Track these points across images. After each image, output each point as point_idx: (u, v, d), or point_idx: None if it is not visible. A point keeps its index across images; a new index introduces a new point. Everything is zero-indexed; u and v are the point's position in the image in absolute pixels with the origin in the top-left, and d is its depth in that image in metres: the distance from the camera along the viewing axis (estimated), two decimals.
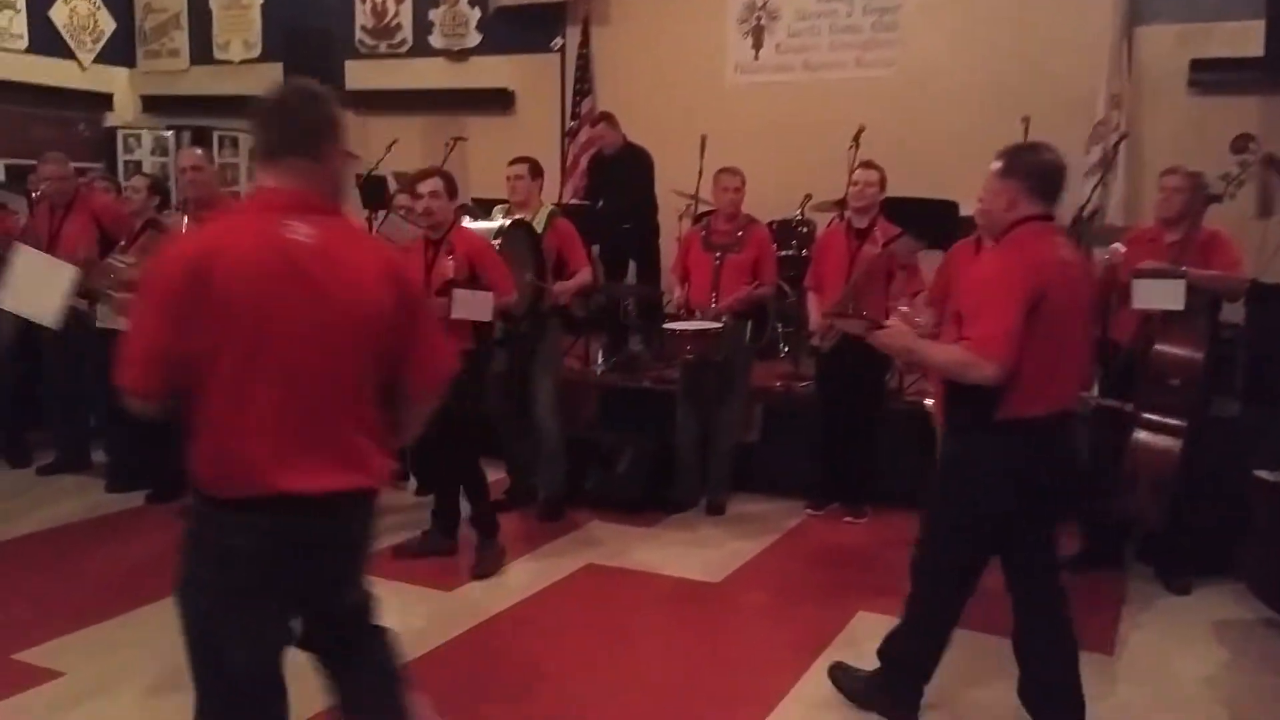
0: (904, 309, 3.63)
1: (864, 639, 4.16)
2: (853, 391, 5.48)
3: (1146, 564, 4.93)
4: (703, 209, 6.69)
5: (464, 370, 4.74)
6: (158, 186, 5.99)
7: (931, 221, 5.89)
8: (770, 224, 6.82)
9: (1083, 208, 6.28)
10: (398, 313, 2.36)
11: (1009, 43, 7.32)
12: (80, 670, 3.86)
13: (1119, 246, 4.74)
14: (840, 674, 3.73)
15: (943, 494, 3.38)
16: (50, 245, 6.07)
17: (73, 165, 6.46)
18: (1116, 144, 6.70)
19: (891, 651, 3.58)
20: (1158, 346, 4.39)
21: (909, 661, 3.53)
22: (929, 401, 4.35)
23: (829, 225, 6.43)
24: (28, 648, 4.01)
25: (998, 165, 3.22)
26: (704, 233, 5.79)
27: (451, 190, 4.91)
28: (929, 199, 6.22)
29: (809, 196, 7.11)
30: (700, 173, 6.64)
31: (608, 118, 7.41)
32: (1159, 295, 4.40)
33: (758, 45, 8.19)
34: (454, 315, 4.68)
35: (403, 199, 5.99)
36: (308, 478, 2.26)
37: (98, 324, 5.70)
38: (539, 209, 5.65)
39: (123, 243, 5.85)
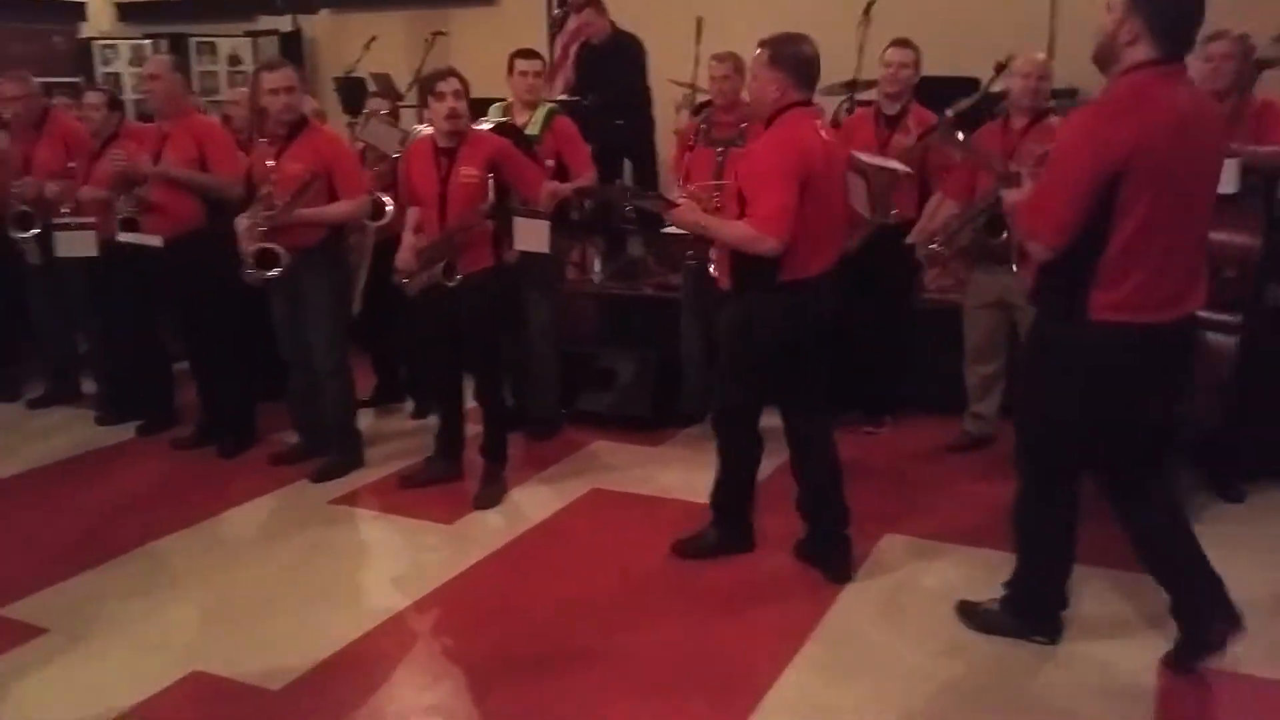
0: (692, 188, 4.06)
1: (895, 565, 3.94)
2: (873, 290, 5.08)
3: (1199, 469, 4.57)
4: (702, 99, 6.25)
5: (488, 284, 4.50)
6: (116, 101, 5.61)
7: (950, 101, 5.45)
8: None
9: None
10: None
11: None
12: (64, 626, 3.67)
13: None
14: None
15: (730, 347, 3.78)
16: (25, 172, 5.73)
17: (38, 81, 6.05)
18: None
19: (719, 503, 4.04)
20: (1209, 235, 4.02)
21: (729, 504, 4.03)
22: (713, 270, 4.25)
23: (851, 113, 5.97)
24: (11, 602, 3.84)
25: (764, 55, 3.57)
26: (704, 126, 5.36)
27: (468, 90, 4.52)
28: (947, 77, 5.76)
29: None
30: (696, 60, 6.19)
31: (593, 3, 6.93)
32: None
33: None
34: (516, 247, 4.38)
35: (375, 103, 5.63)
36: None
37: (58, 253, 5.45)
38: (537, 108, 5.23)
39: (72, 164, 5.54)
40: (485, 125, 4.94)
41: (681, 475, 4.86)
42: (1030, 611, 3.37)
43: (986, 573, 3.74)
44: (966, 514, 4.36)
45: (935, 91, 5.37)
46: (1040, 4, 6.27)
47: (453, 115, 4.38)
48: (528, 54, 5.25)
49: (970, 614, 3.49)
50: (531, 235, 4.38)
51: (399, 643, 3.55)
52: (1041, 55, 4.74)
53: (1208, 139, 2.90)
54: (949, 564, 3.92)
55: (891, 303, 5.24)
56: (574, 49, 7.35)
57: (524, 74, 5.19)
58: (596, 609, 3.73)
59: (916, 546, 3.71)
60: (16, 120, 5.82)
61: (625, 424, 5.44)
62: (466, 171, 4.41)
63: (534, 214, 4.39)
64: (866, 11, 5.95)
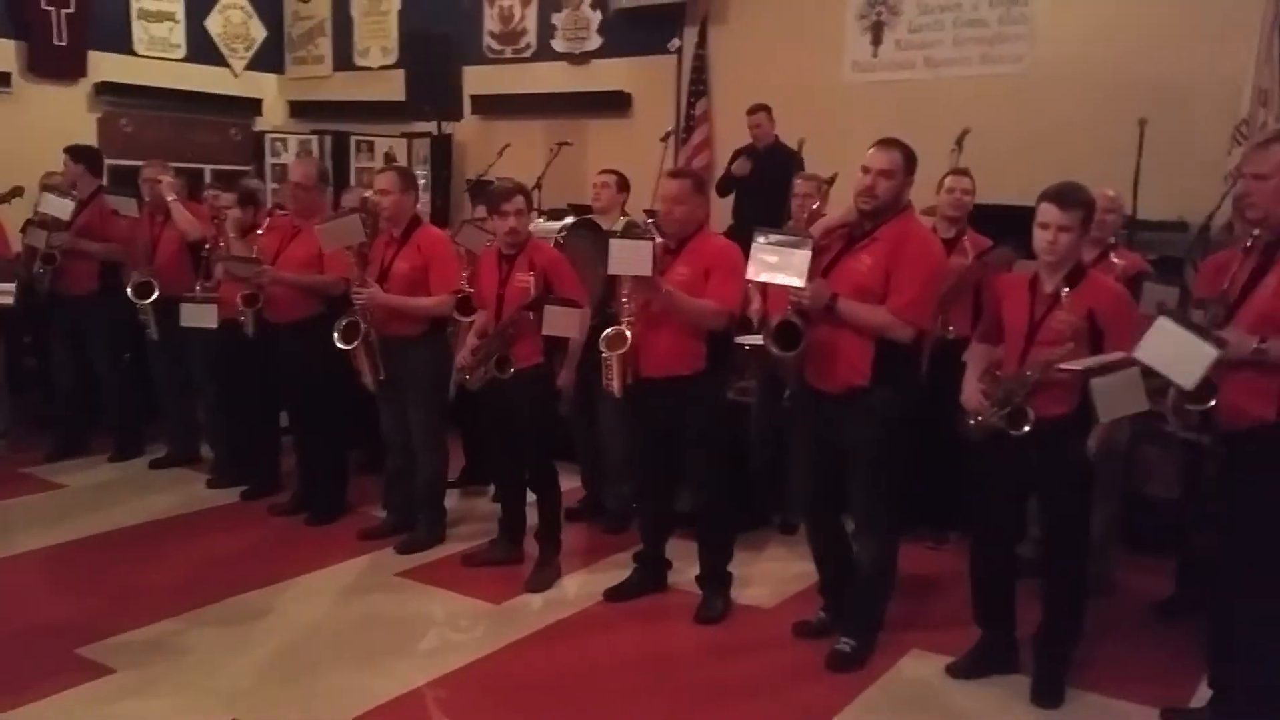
0: None
1: (913, 680, 3.94)
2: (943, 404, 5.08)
3: None
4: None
5: (537, 379, 4.79)
6: (249, 197, 6.08)
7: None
8: None
9: (1211, 214, 5.82)
10: None
11: (1148, 33, 6.80)
12: (130, 669, 3.96)
13: None
14: None
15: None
16: (150, 251, 6.31)
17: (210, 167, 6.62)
18: None
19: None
20: None
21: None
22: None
23: None
24: (90, 643, 4.16)
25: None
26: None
27: (530, 205, 4.86)
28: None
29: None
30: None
31: (766, 109, 7.32)
32: None
33: (877, 42, 7.88)
34: (545, 331, 4.62)
35: (481, 210, 5.99)
36: None
37: (181, 323, 5.87)
38: (618, 220, 5.58)
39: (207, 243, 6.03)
40: (569, 220, 5.27)
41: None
42: None
43: (998, 691, 3.75)
44: None
45: (1019, 218, 5.44)
46: (1129, 135, 6.28)
47: (512, 232, 4.71)
48: (602, 171, 5.70)
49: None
50: (560, 321, 4.57)
51: (417, 714, 3.73)
52: None
53: None
54: (974, 687, 3.87)
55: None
56: (697, 160, 7.70)
57: (594, 185, 5.68)
58: (612, 699, 3.82)
59: (941, 663, 3.71)
60: (153, 202, 6.38)
61: (690, 522, 5.42)
62: (521, 277, 4.70)
63: (567, 302, 4.60)
64: (959, 141, 6.12)
